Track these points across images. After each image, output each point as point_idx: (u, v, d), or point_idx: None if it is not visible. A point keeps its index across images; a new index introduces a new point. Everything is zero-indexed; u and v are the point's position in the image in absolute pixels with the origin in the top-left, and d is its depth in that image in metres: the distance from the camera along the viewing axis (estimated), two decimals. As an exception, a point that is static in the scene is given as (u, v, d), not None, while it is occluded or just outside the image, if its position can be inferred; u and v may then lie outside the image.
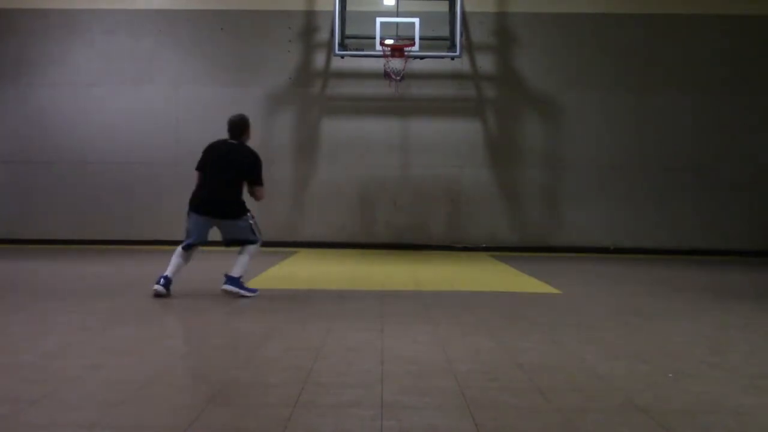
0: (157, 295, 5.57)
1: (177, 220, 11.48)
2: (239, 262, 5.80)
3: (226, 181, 5.83)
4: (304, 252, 10.89)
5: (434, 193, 11.86)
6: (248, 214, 5.95)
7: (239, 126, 6.01)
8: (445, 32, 11.52)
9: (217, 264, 6.31)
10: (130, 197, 11.67)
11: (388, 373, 3.20)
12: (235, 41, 11.89)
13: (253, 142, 12.59)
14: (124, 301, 5.45)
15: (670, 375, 3.30)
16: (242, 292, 5.73)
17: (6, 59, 11.92)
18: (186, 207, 5.93)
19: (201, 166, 5.92)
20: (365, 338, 4.03)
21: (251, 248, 5.88)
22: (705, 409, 2.79)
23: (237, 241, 5.91)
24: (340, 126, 11.91)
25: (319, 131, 11.94)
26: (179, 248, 5.86)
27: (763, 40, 11.82)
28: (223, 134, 6.05)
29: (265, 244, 11.48)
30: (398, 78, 11.16)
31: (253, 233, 5.92)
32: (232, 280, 5.73)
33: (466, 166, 11.87)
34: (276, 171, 11.86)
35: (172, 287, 5.69)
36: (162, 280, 5.64)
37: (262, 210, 11.83)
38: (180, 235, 5.74)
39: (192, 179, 11.33)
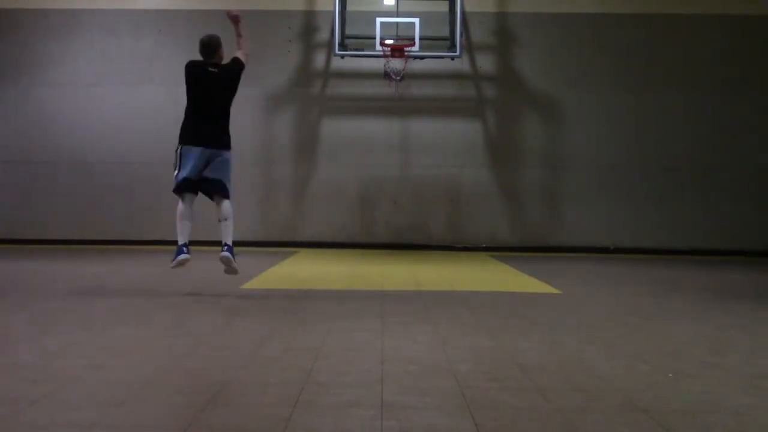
0: (180, 264, 5.70)
1: (177, 220, 11.51)
2: (229, 229, 5.86)
3: (213, 117, 5.90)
4: (304, 252, 10.89)
5: (434, 193, 11.86)
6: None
7: (213, 46, 5.99)
8: (445, 32, 11.52)
9: (217, 264, 6.29)
10: (130, 197, 11.67)
11: (388, 373, 3.20)
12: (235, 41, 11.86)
13: (254, 142, 12.65)
14: (124, 301, 5.45)
15: (670, 375, 3.30)
16: (234, 263, 5.80)
17: (6, 59, 11.92)
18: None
19: (188, 88, 5.97)
20: (365, 338, 4.03)
21: (228, 209, 5.90)
22: (705, 409, 2.78)
23: (217, 185, 5.89)
24: (340, 126, 11.92)
25: (319, 131, 11.94)
26: (179, 207, 5.96)
27: (763, 40, 11.82)
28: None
29: (265, 244, 11.61)
30: (398, 78, 11.15)
31: (229, 180, 5.96)
32: (230, 248, 5.79)
33: (466, 166, 11.87)
34: (276, 171, 11.89)
35: (171, 287, 5.69)
36: (184, 248, 5.74)
37: (263, 210, 11.91)
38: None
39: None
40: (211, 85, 5.91)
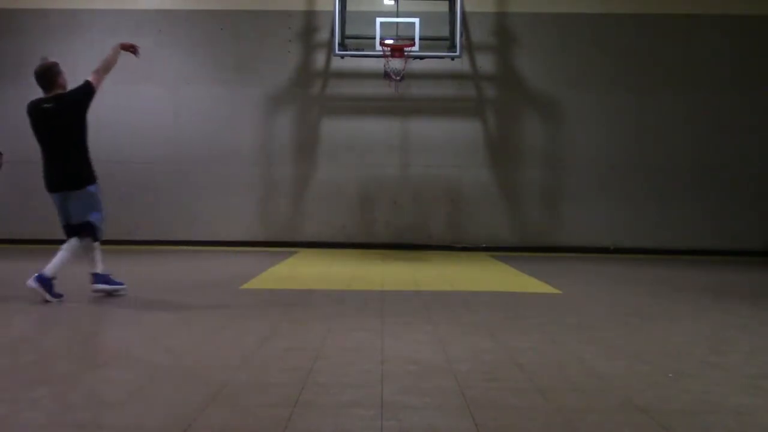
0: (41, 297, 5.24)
1: (177, 219, 11.53)
2: (96, 258, 5.45)
3: (58, 157, 5.44)
4: (304, 252, 10.88)
5: (434, 193, 11.85)
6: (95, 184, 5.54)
7: (47, 77, 5.54)
8: (445, 32, 11.52)
9: (216, 264, 6.30)
10: (130, 197, 11.66)
11: (388, 373, 3.20)
12: (235, 41, 11.89)
13: (254, 142, 12.63)
14: (124, 301, 5.45)
15: (670, 375, 3.30)
16: (113, 287, 5.51)
17: (6, 59, 11.92)
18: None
19: (33, 131, 5.51)
20: (365, 338, 4.03)
21: (88, 246, 5.49)
22: (705, 409, 2.79)
23: (83, 230, 5.48)
24: (339, 126, 11.91)
25: (318, 131, 11.93)
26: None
27: (763, 40, 11.82)
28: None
29: (265, 244, 11.62)
30: (398, 78, 11.15)
31: (95, 212, 5.51)
32: (99, 277, 5.47)
33: (466, 166, 11.86)
34: (276, 171, 11.88)
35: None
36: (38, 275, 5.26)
37: (263, 210, 11.91)
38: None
39: (189, 177, 11.33)
40: (47, 124, 5.43)
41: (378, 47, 10.92)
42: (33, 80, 12.70)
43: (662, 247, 11.63)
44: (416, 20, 10.95)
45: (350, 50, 11.36)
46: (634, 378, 3.23)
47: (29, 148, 11.71)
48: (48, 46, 11.93)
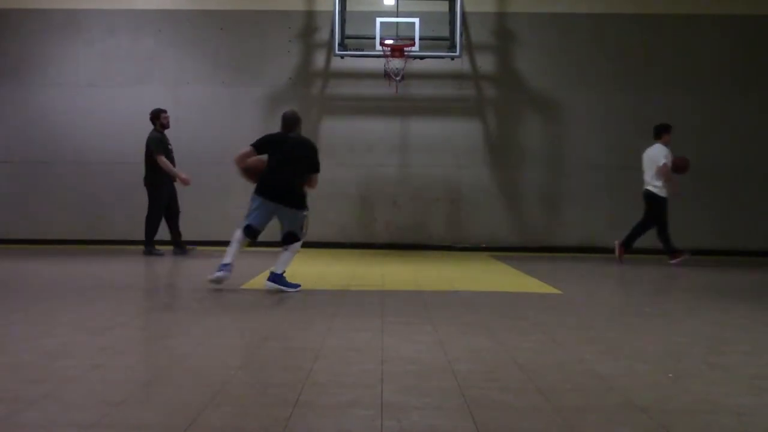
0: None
1: (177, 220, 11.50)
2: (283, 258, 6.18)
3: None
4: (304, 252, 10.87)
5: (434, 193, 11.85)
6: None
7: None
8: (445, 32, 11.52)
9: (215, 263, 6.28)
10: (130, 197, 11.66)
11: (388, 373, 3.20)
12: (235, 41, 11.88)
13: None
14: (123, 301, 5.45)
15: (670, 375, 3.30)
16: (285, 288, 6.01)
17: (6, 59, 11.92)
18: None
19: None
20: (365, 338, 4.03)
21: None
22: (705, 409, 2.79)
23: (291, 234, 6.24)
24: (339, 126, 11.91)
25: (319, 131, 11.92)
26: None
27: (763, 40, 11.82)
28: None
29: (265, 243, 11.60)
30: (398, 78, 11.15)
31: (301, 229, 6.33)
32: (275, 276, 6.04)
33: (466, 166, 11.86)
34: (276, 171, 11.87)
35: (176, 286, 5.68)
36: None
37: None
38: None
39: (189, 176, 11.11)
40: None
41: (378, 47, 10.92)
42: (33, 80, 12.77)
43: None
44: (416, 20, 10.95)
45: (350, 50, 11.36)
46: (634, 378, 3.24)
47: (29, 148, 11.79)
48: (48, 46, 11.94)
